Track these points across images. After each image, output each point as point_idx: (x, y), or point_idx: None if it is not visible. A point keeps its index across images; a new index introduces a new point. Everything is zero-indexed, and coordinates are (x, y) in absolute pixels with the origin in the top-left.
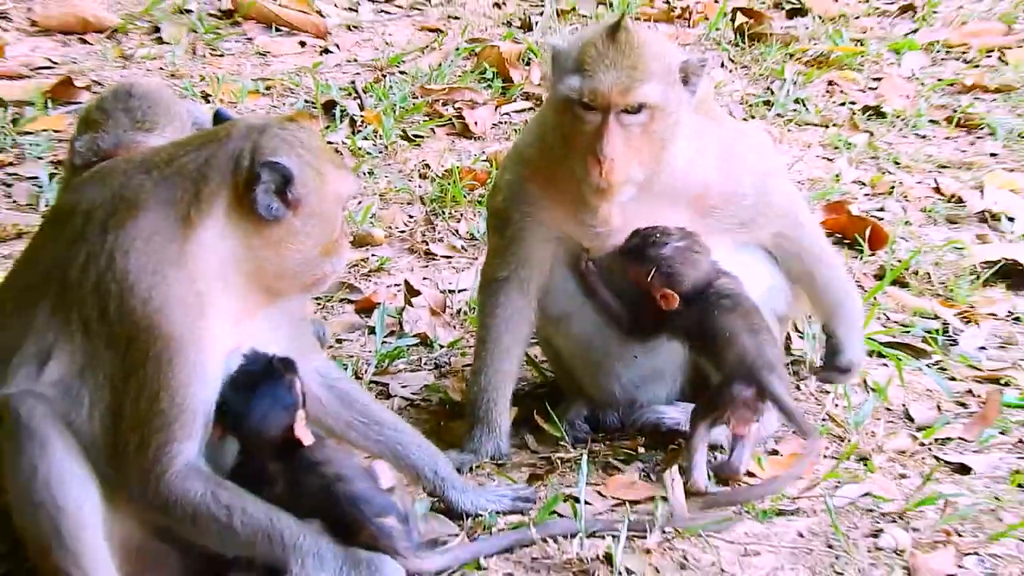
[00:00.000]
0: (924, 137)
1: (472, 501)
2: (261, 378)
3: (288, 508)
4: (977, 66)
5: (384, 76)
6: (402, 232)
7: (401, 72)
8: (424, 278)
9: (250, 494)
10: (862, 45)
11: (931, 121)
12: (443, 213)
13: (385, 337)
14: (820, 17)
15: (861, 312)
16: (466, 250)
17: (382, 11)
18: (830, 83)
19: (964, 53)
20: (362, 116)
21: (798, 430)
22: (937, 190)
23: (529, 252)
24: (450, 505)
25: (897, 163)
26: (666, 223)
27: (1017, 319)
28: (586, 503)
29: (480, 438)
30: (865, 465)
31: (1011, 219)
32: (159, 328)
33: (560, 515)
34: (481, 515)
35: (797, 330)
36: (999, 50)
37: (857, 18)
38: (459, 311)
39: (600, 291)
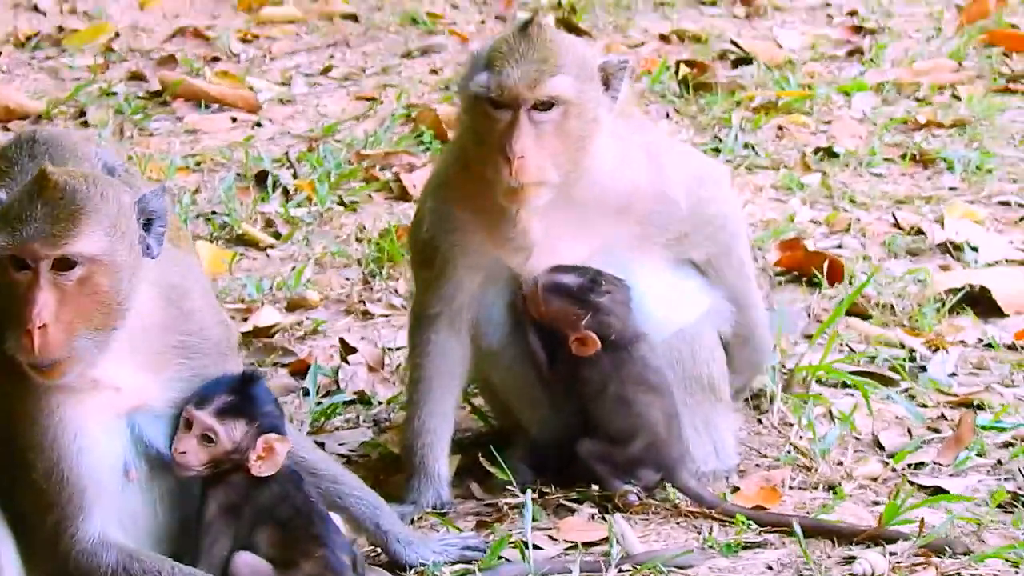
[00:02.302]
0: (880, 175)
1: (417, 553)
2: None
3: (235, 514)
4: (929, 103)
5: (318, 145)
6: (338, 295)
7: (336, 140)
8: (361, 337)
9: (169, 561)
10: (810, 89)
11: (886, 159)
12: (381, 273)
13: (321, 397)
14: (766, 65)
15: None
16: (405, 308)
17: (315, 84)
18: (780, 128)
19: (915, 91)
20: (295, 185)
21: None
22: (896, 225)
23: (459, 283)
24: (394, 558)
25: (853, 201)
26: (593, 235)
27: (988, 345)
28: (537, 547)
29: (418, 488)
30: (834, 493)
31: (974, 248)
32: (16, 411)
33: (508, 560)
34: (425, 565)
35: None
36: (951, 86)
37: (804, 63)
38: (398, 366)
39: (529, 330)
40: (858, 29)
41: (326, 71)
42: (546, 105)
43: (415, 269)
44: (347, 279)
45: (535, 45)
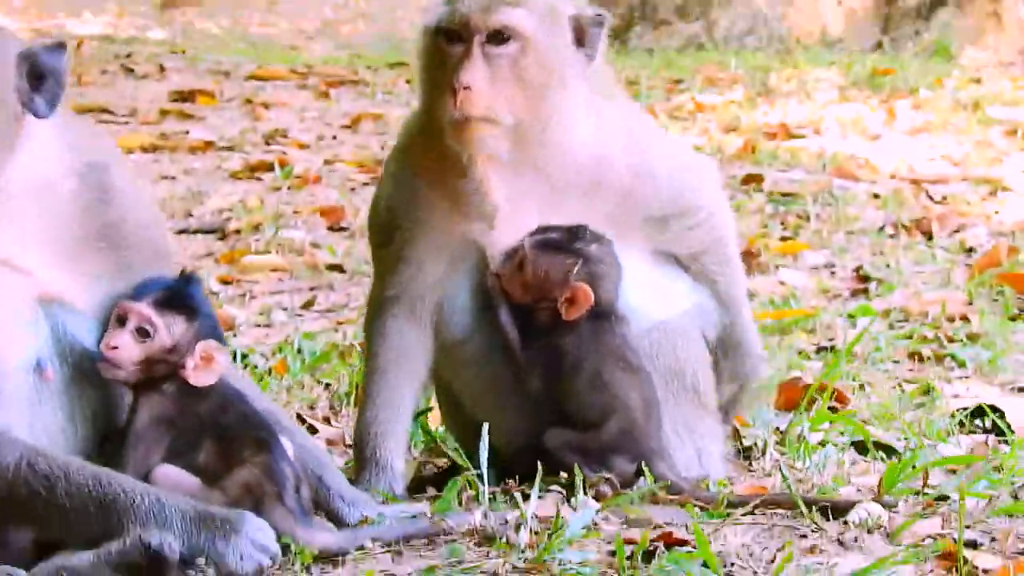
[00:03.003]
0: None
1: (361, 514)
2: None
3: (168, 427)
4: (939, 326)
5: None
6: None
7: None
8: None
9: (77, 459)
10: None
11: (894, 361)
12: None
13: None
14: (769, 299)
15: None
16: None
17: (296, 315)
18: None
19: (924, 318)
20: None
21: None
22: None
23: (420, 264)
24: (337, 518)
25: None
26: (564, 210)
27: None
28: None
29: (369, 480)
30: None
31: None
32: None
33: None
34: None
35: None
36: (962, 317)
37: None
38: None
39: (500, 310)
40: (864, 279)
41: (307, 305)
42: (500, 37)
43: (374, 250)
44: None
45: None
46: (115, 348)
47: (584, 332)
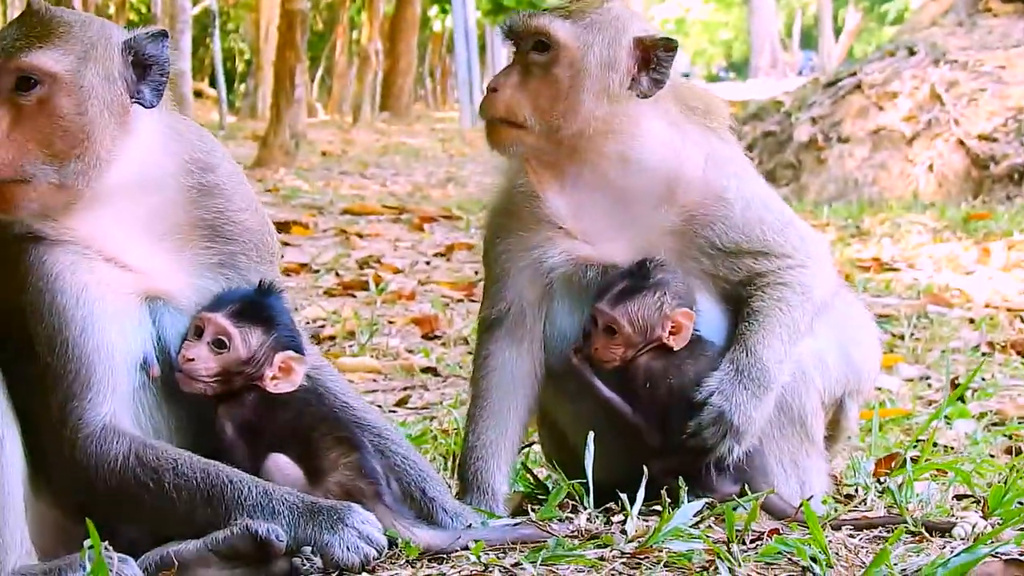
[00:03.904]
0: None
1: (466, 522)
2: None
3: (253, 435)
4: None
5: None
6: None
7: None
8: None
9: (185, 451)
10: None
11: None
12: None
13: None
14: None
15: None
16: None
17: (391, 411)
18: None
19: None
20: None
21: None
22: None
23: (513, 284)
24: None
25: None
26: (633, 223)
27: None
28: None
29: (471, 503)
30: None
31: None
32: (39, 281)
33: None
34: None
35: None
36: None
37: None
38: None
39: (597, 386)
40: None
41: (402, 403)
42: (541, 46)
43: (485, 270)
44: None
45: None
46: (191, 360)
47: (682, 355)
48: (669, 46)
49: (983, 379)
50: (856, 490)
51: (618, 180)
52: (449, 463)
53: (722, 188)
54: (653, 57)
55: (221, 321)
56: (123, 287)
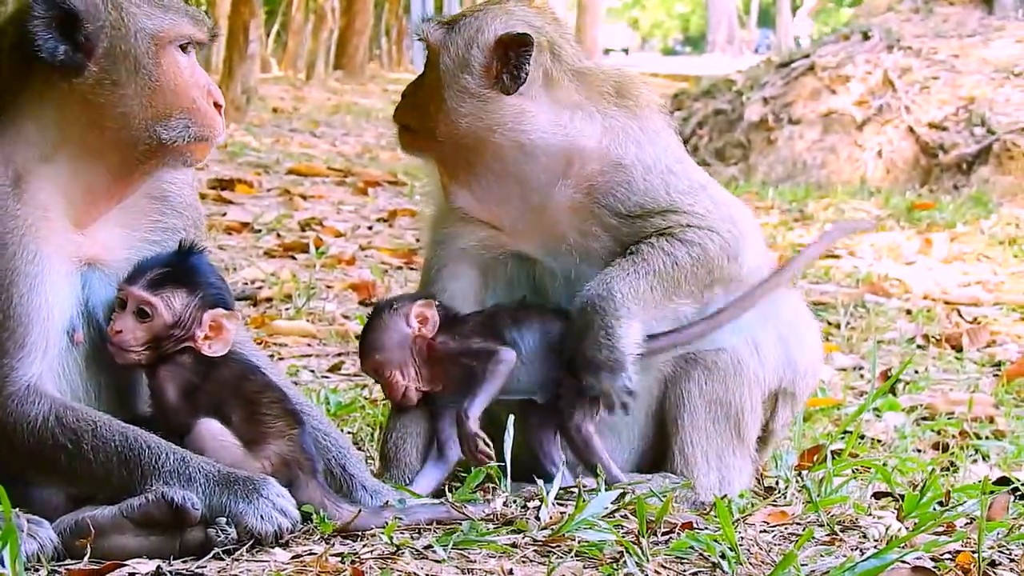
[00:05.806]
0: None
1: (384, 500)
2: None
3: (195, 395)
4: (963, 422)
5: None
6: None
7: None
8: None
9: (105, 415)
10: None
11: (917, 450)
12: None
13: None
14: None
15: None
16: None
17: (324, 376)
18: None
19: (950, 416)
20: None
21: None
22: None
23: (444, 277)
24: (359, 505)
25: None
26: (533, 201)
27: None
28: None
29: (390, 478)
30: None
31: None
32: None
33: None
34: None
35: None
36: (988, 419)
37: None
38: None
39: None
40: (893, 386)
41: (334, 369)
42: (433, 52)
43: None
44: None
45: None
46: (119, 332)
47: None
48: (523, 42)
49: (916, 372)
50: (776, 483)
51: (514, 168)
52: (376, 433)
53: (619, 155)
54: (511, 54)
55: (137, 292)
56: (68, 252)
